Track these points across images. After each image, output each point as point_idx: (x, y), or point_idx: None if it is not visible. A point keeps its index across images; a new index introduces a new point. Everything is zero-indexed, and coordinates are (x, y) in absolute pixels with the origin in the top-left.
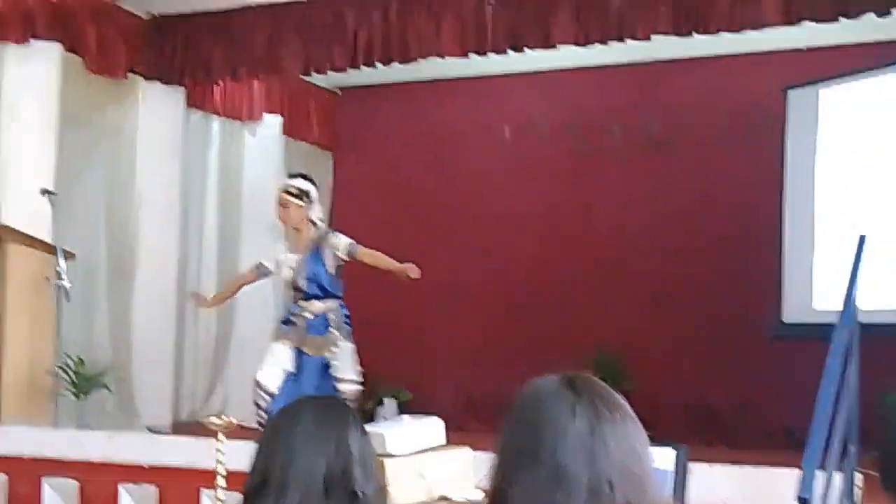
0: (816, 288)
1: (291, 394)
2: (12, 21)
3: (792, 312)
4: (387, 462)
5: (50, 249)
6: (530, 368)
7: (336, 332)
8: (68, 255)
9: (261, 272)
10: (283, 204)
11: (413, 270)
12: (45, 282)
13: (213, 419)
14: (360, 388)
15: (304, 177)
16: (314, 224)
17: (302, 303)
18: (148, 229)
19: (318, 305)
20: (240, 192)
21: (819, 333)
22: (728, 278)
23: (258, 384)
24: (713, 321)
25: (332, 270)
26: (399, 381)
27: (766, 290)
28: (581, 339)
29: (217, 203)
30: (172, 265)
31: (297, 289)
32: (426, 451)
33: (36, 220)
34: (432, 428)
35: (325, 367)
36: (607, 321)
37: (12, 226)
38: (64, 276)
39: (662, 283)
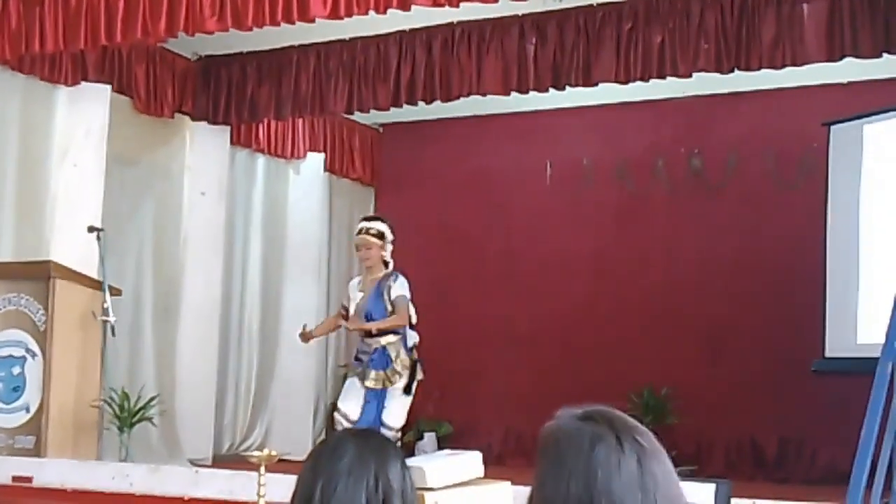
0: (861, 322)
1: (369, 422)
2: (64, 64)
3: (835, 347)
4: (426, 495)
5: (97, 285)
6: (577, 406)
7: (399, 367)
8: (115, 292)
9: (344, 310)
10: (366, 245)
11: None
12: (92, 317)
13: (255, 452)
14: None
15: (381, 219)
16: (385, 264)
17: (366, 339)
18: (193, 265)
19: (378, 341)
20: (283, 228)
21: (862, 367)
22: (773, 314)
23: (338, 410)
24: (758, 357)
25: (390, 308)
26: (447, 417)
27: (810, 326)
28: (628, 377)
29: (261, 239)
30: (216, 301)
31: None
32: (465, 484)
33: (84, 256)
34: (471, 462)
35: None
36: (653, 359)
37: (61, 262)
38: (110, 311)
39: (708, 321)
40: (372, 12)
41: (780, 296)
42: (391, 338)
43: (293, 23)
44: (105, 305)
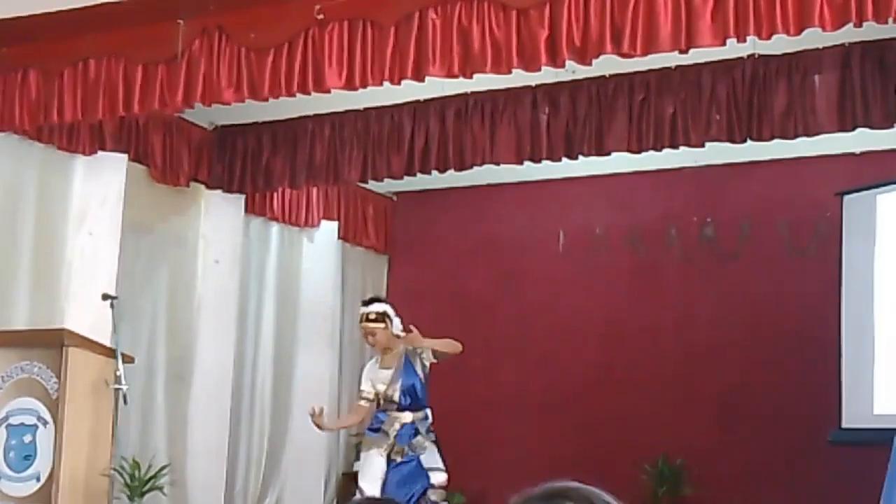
0: (877, 392)
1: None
2: (82, 134)
3: (852, 417)
4: None
5: (110, 353)
6: (591, 475)
7: (422, 439)
8: (127, 359)
9: (369, 401)
10: (370, 332)
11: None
12: (104, 385)
13: None
14: (445, 475)
15: (378, 299)
16: (398, 337)
17: (394, 413)
18: (206, 333)
19: (408, 416)
20: (297, 296)
21: (880, 438)
22: (788, 383)
23: (361, 491)
24: (773, 426)
25: (424, 380)
26: (459, 487)
27: (826, 396)
28: (641, 445)
29: (274, 307)
30: (229, 369)
31: (390, 401)
32: None
33: (97, 324)
34: None
35: (416, 464)
36: (667, 427)
37: (75, 329)
38: (123, 379)
39: (722, 390)
40: (386, 83)
41: (795, 365)
42: (420, 413)
43: (309, 93)
44: (118, 373)
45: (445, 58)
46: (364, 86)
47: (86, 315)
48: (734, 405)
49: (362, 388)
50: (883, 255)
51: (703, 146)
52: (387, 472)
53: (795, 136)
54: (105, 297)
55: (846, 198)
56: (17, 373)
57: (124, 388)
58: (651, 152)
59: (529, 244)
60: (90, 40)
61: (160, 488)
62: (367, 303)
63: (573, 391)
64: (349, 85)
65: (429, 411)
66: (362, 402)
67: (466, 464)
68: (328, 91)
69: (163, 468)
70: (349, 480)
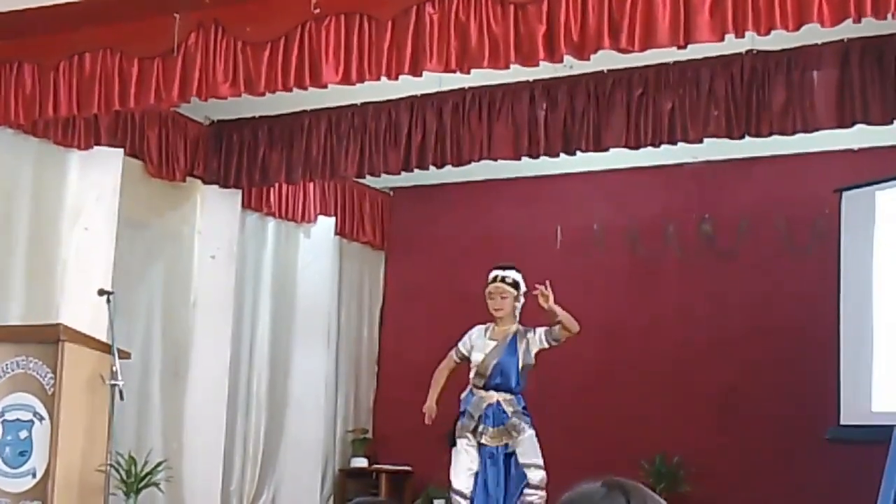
0: (875, 390)
1: (481, 491)
2: (77, 128)
3: (850, 415)
4: None
5: (106, 349)
6: (589, 473)
7: (517, 421)
8: (123, 355)
9: (458, 359)
10: (501, 294)
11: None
12: (100, 380)
13: None
14: (543, 472)
15: (514, 268)
16: (515, 317)
17: (480, 392)
18: (202, 329)
19: (493, 395)
20: (293, 291)
21: (878, 436)
22: (787, 381)
23: (450, 486)
24: (771, 424)
25: (522, 366)
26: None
27: (825, 393)
28: (639, 443)
29: (270, 303)
30: (224, 365)
31: (480, 375)
32: None
33: (93, 319)
34: None
35: (508, 455)
36: (665, 425)
37: (70, 325)
38: (119, 375)
39: (721, 388)
40: (383, 78)
41: (794, 362)
42: (506, 396)
43: (305, 88)
44: (114, 369)
45: (443, 53)
46: (361, 80)
47: (81, 310)
48: (732, 402)
49: (459, 344)
50: (881, 252)
51: (701, 142)
52: (483, 463)
53: (794, 133)
54: (101, 292)
55: (845, 194)
56: (13, 368)
57: (120, 383)
58: (649, 148)
59: (527, 240)
60: (85, 34)
61: (156, 484)
62: (504, 267)
63: (570, 388)
64: (346, 80)
65: (521, 399)
66: (452, 354)
67: None
68: (325, 86)
69: (159, 464)
70: (346, 477)
